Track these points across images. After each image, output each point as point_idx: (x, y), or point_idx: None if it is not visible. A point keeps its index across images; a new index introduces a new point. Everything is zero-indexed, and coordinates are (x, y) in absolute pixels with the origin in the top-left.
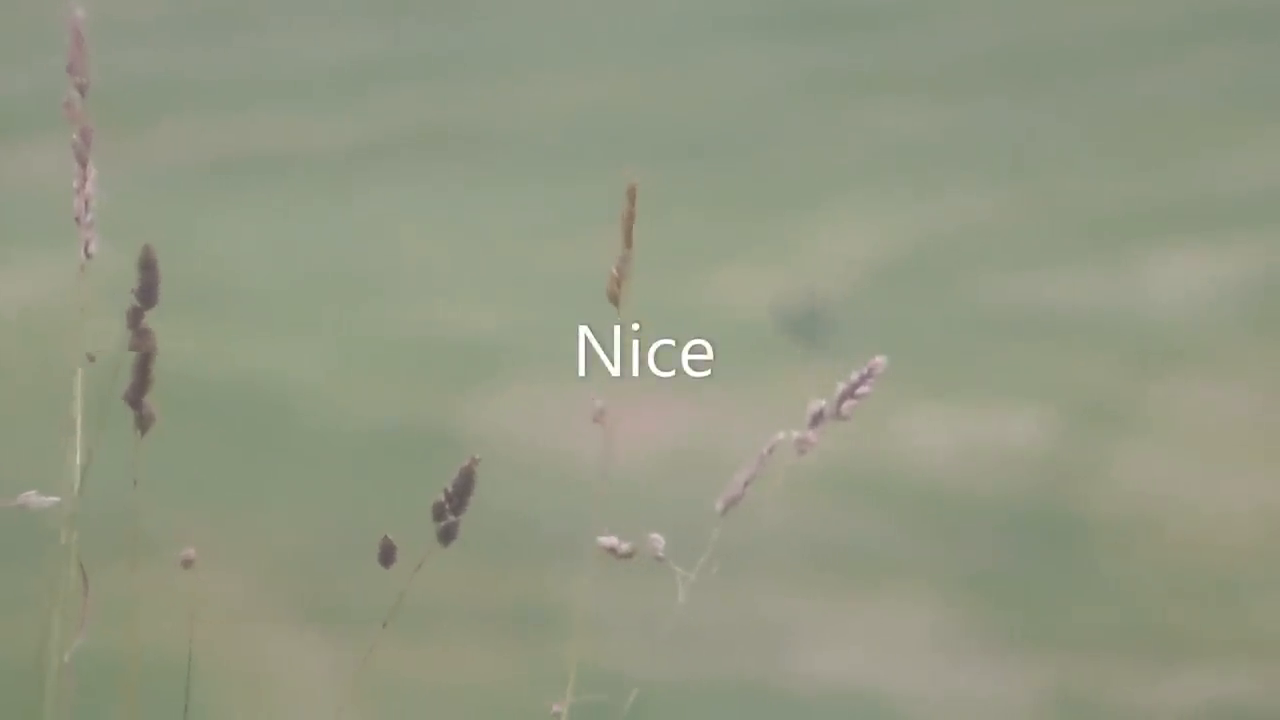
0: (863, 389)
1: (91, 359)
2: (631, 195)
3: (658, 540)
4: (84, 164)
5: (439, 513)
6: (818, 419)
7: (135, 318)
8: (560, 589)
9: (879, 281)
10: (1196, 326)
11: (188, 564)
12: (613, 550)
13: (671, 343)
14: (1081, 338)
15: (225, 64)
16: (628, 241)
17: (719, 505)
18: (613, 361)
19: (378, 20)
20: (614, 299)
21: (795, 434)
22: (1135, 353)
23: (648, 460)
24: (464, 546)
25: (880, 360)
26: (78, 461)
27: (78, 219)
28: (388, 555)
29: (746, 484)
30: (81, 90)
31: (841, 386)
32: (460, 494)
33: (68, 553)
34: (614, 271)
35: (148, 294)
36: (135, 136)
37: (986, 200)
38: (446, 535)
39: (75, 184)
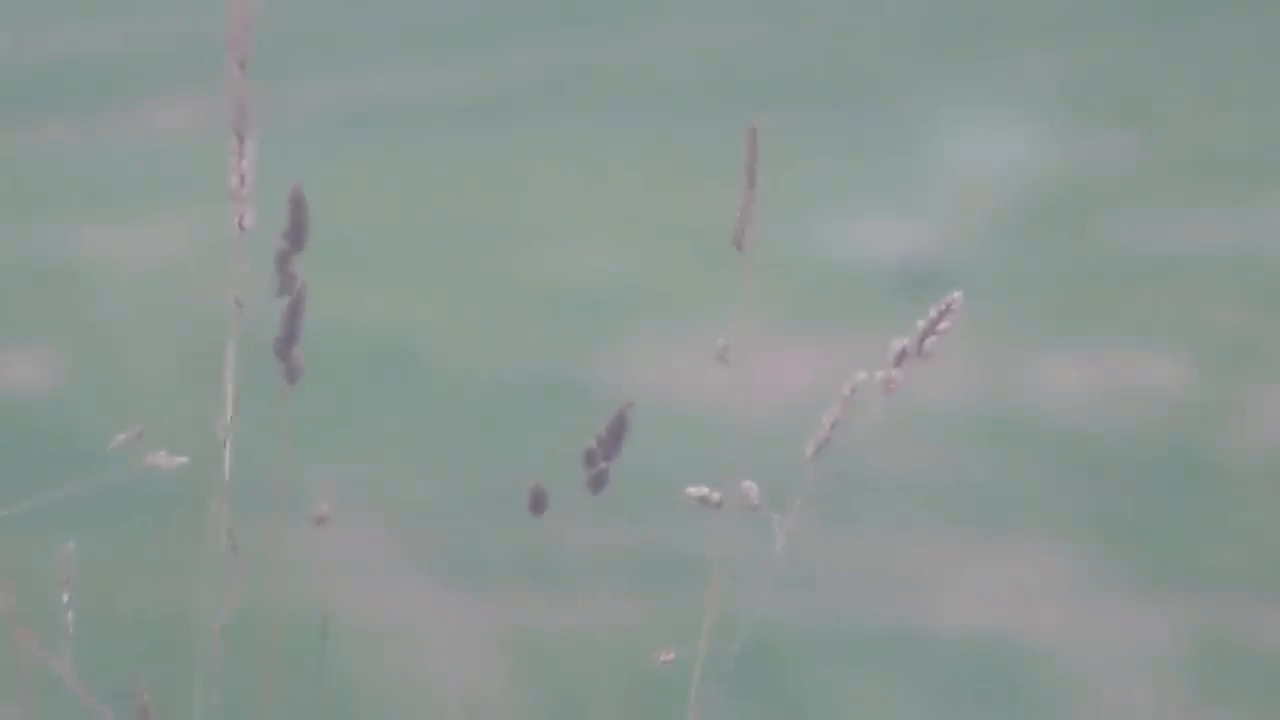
0: (942, 325)
1: (240, 304)
2: (753, 138)
3: (751, 488)
4: (241, 138)
5: (590, 459)
6: (900, 358)
7: (283, 260)
8: (689, 538)
9: (1008, 226)
10: None
11: (321, 521)
12: (703, 499)
13: (796, 288)
14: (1214, 280)
15: (354, 16)
16: (751, 184)
17: (809, 450)
18: (737, 306)
19: None
20: (739, 243)
21: (879, 373)
22: (1269, 294)
23: (776, 407)
24: (598, 496)
25: (958, 296)
26: (224, 426)
27: (232, 192)
28: (539, 502)
29: (833, 426)
30: (242, 64)
31: (921, 324)
32: (612, 440)
33: (216, 519)
34: (738, 215)
35: (296, 235)
36: (265, 90)
37: (1116, 143)
38: (597, 483)
39: (232, 158)
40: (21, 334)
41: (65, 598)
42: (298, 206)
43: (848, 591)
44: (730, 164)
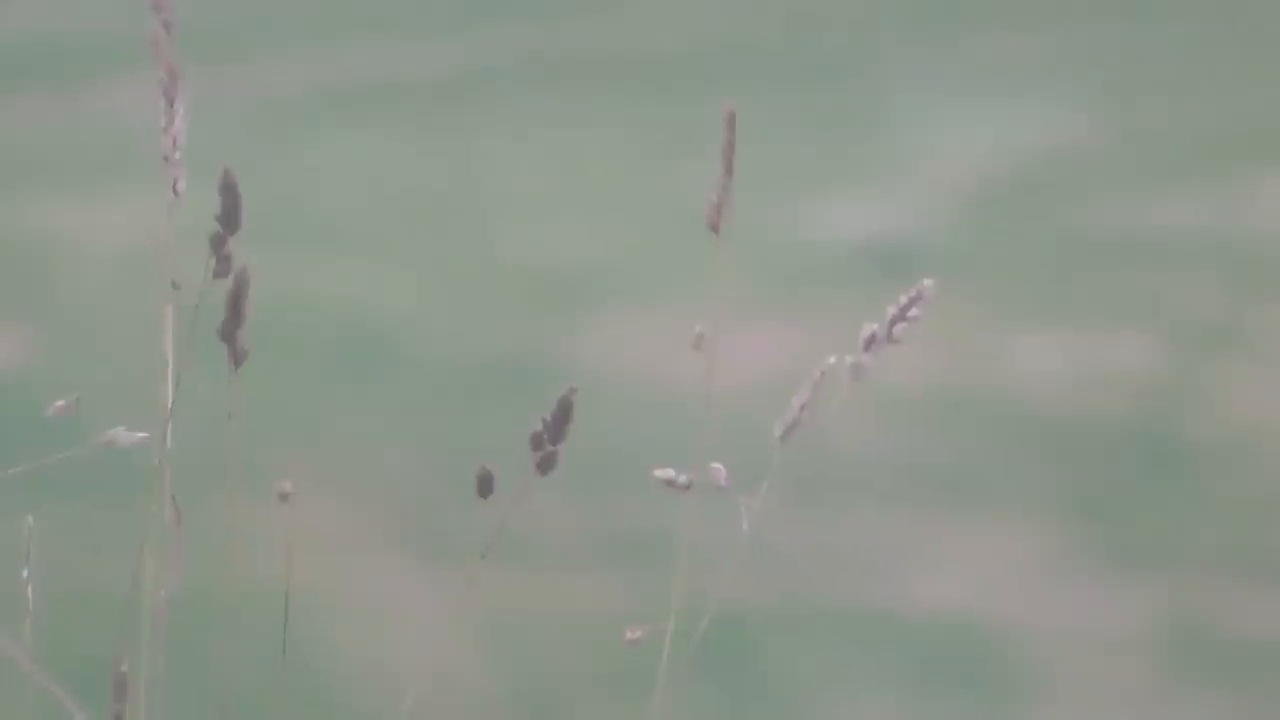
0: (913, 312)
1: (177, 286)
2: (730, 122)
3: (719, 470)
4: (171, 102)
5: (537, 442)
6: (870, 343)
7: (219, 243)
8: (660, 518)
9: (981, 207)
10: None
11: (284, 497)
12: (670, 482)
13: (770, 270)
14: (1186, 261)
15: None
16: (728, 169)
17: (778, 432)
18: (711, 288)
19: None
20: (714, 227)
21: (849, 359)
22: (1240, 275)
23: (748, 389)
24: (563, 476)
25: (929, 283)
26: (169, 397)
27: (165, 157)
28: (486, 485)
29: (803, 409)
30: (167, 27)
31: (892, 310)
32: (558, 423)
33: (161, 490)
34: (713, 199)
35: (230, 218)
36: (231, 70)
37: (1089, 125)
38: (545, 465)
39: (163, 122)
40: None
41: (25, 573)
42: (229, 190)
43: (818, 570)
44: (704, 145)
